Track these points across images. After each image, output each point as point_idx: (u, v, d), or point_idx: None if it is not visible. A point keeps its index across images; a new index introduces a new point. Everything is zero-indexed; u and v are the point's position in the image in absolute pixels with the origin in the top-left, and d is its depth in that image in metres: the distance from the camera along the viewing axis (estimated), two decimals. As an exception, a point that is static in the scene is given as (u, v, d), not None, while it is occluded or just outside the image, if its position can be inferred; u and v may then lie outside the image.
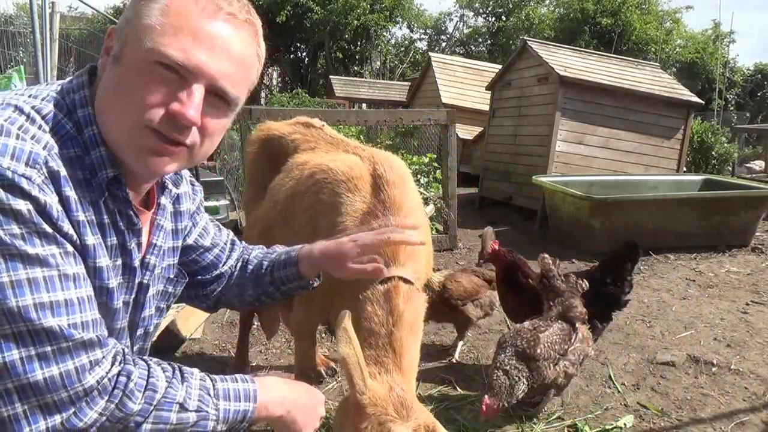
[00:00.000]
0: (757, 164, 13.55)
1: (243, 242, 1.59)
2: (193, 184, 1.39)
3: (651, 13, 26.08)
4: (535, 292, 2.79)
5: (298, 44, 27.22)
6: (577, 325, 2.57)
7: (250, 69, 1.09)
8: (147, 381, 1.02)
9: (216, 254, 1.47)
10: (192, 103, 0.99)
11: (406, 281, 1.65)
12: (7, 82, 4.83)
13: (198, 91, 1.00)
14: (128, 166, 1.05)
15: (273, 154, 2.44)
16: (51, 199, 0.93)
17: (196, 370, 1.12)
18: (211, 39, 1.00)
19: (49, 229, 0.92)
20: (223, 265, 1.49)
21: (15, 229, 0.88)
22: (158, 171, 1.06)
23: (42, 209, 0.91)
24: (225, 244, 1.51)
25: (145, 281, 1.19)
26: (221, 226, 1.55)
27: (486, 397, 2.30)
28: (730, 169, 10.86)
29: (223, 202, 4.54)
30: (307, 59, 28.00)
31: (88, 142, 1.02)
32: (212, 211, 3.99)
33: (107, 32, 1.07)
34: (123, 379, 1.00)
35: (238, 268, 1.52)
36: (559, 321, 2.55)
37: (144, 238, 1.18)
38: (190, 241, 1.40)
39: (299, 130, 2.45)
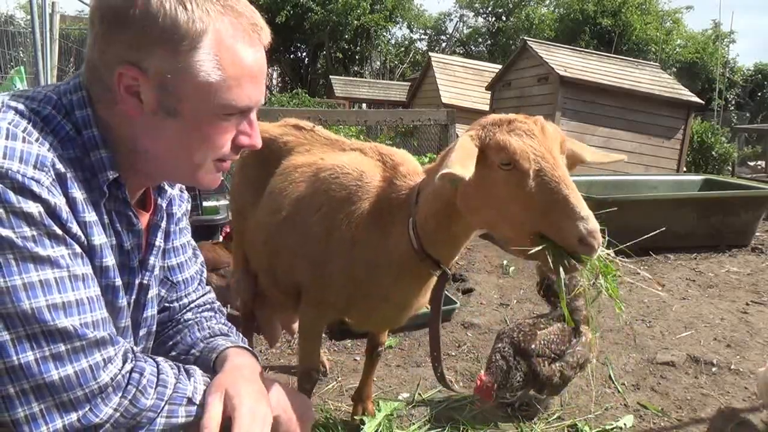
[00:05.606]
0: (757, 164, 13.56)
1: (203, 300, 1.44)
2: (181, 191, 1.37)
3: (651, 14, 26.14)
4: None
5: (298, 44, 27.23)
6: (582, 329, 2.56)
7: None
8: (158, 377, 1.05)
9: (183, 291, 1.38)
10: (256, 131, 1.10)
11: None
12: (9, 85, 4.83)
13: (254, 117, 1.10)
14: (179, 182, 1.16)
15: (263, 155, 2.37)
16: (59, 201, 0.94)
17: (197, 368, 1.15)
18: (260, 72, 1.06)
19: (58, 231, 0.93)
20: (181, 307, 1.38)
21: (26, 231, 0.89)
22: (214, 186, 1.16)
23: (52, 211, 0.92)
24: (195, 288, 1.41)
25: (146, 281, 1.20)
26: (201, 262, 1.45)
27: (482, 373, 2.32)
28: (730, 169, 10.87)
29: (223, 202, 4.52)
30: (307, 59, 28.01)
31: (88, 144, 1.02)
32: (212, 211, 3.99)
33: (119, 72, 0.97)
34: (136, 375, 1.02)
35: (188, 323, 1.37)
36: (561, 322, 2.55)
37: (143, 239, 1.19)
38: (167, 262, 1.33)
39: (290, 132, 2.41)
